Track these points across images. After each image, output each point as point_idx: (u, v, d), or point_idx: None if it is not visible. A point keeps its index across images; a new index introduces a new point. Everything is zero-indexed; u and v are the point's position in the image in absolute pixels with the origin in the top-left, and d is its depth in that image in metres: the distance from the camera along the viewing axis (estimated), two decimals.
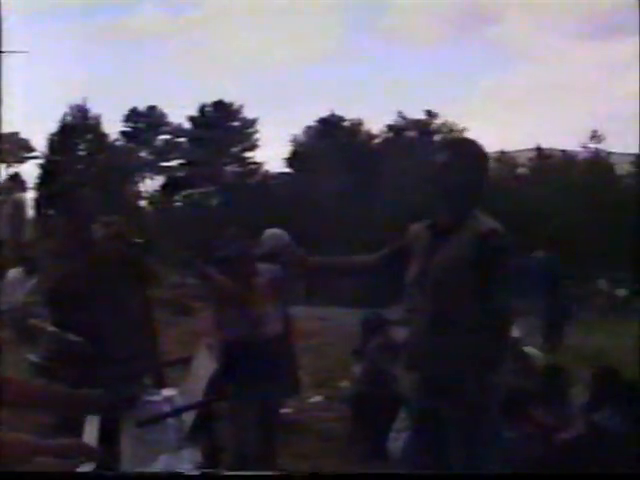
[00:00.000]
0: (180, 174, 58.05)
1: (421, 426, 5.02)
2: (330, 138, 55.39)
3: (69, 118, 56.05)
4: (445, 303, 4.66)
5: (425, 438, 4.99)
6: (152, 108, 59.49)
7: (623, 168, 55.86)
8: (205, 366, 4.95)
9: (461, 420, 4.66)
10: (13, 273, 13.65)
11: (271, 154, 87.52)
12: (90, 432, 3.97)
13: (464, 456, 4.73)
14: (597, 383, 7.65)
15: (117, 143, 58.66)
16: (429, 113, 58.67)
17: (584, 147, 55.04)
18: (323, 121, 58.79)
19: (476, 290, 4.59)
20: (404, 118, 58.16)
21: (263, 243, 7.34)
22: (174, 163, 58.99)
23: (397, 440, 7.33)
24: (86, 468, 3.22)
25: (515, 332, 7.85)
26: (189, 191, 57.42)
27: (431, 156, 5.03)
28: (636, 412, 7.25)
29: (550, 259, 14.29)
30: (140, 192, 58.17)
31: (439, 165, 4.81)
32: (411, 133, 57.78)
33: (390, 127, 57.54)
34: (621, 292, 27.65)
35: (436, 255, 4.75)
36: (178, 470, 3.83)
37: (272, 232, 7.96)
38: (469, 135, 59.02)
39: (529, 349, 7.84)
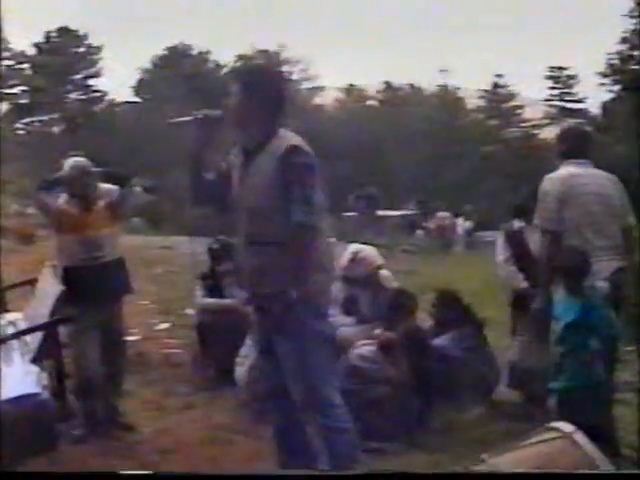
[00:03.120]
0: (22, 101, 56.28)
1: (263, 351, 5.21)
2: (177, 67, 54.66)
3: None
4: (257, 224, 4.83)
5: (266, 361, 5.17)
6: None
7: (472, 102, 57.19)
8: (49, 289, 4.90)
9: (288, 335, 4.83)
10: None
11: (117, 82, 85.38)
12: None
13: (296, 376, 4.90)
14: (438, 308, 7.84)
15: None
16: (279, 45, 58.44)
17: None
18: (170, 50, 57.88)
19: (282, 207, 4.72)
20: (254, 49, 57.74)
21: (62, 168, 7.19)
22: (16, 90, 57.14)
23: (242, 365, 7.39)
24: None
25: (378, 259, 7.97)
26: (31, 119, 55.80)
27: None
28: (474, 338, 7.48)
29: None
30: None
31: (234, 94, 4.93)
32: (262, 63, 57.38)
33: (239, 57, 57.04)
34: (467, 225, 28.28)
35: (247, 177, 4.90)
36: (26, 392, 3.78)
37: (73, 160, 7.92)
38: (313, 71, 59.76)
39: (384, 272, 7.95)
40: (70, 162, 6.95)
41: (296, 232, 4.70)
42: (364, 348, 6.82)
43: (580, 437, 4.36)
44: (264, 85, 4.95)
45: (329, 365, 5.06)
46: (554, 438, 4.44)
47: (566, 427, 4.46)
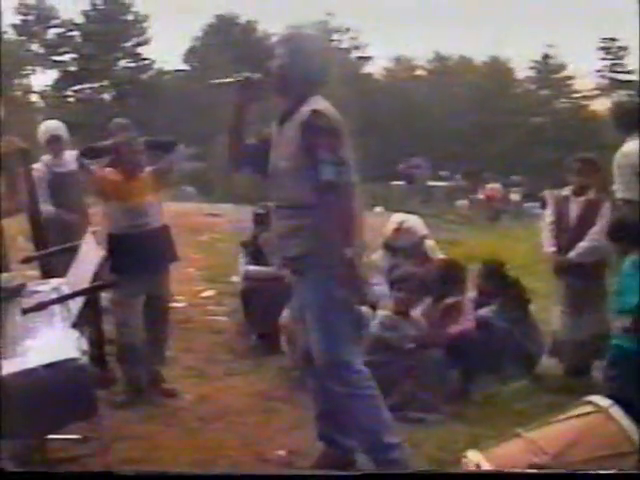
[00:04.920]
0: (72, 68, 56.57)
1: (297, 316, 5.22)
2: (225, 35, 54.64)
3: None
4: (284, 188, 4.86)
5: (302, 327, 5.11)
6: (41, 0, 57.62)
7: (522, 73, 56.73)
8: (91, 255, 4.91)
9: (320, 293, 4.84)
10: None
11: (165, 50, 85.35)
12: None
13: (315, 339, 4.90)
14: (483, 279, 7.79)
15: (6, 36, 56.80)
16: (328, 13, 58.16)
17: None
18: (218, 18, 57.86)
19: (307, 171, 4.72)
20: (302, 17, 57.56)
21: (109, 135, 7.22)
22: (66, 57, 57.42)
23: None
24: None
25: (423, 229, 7.95)
26: (81, 86, 56.10)
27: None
28: (519, 309, 7.44)
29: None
30: (31, 86, 56.67)
31: (274, 59, 4.98)
32: (307, 31, 57.12)
33: (288, 26, 56.84)
34: (515, 196, 28.15)
35: (278, 144, 4.95)
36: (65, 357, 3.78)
37: (118, 122, 7.95)
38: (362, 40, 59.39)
39: (429, 242, 7.93)
40: (116, 130, 6.98)
41: (325, 190, 4.68)
42: (381, 314, 6.78)
43: (616, 411, 4.34)
44: (302, 52, 4.96)
45: (351, 332, 5.00)
46: (590, 412, 4.43)
47: (602, 401, 4.46)
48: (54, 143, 8.23)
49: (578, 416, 4.44)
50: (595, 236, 7.05)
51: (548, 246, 7.42)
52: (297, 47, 4.97)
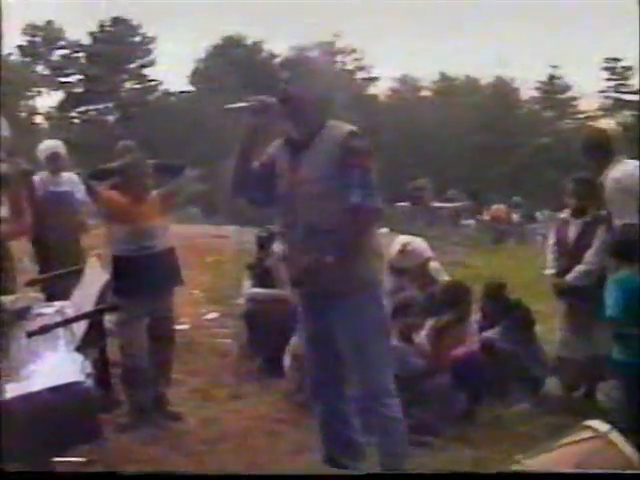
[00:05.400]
0: (77, 90, 56.78)
1: (314, 341, 5.13)
2: (231, 56, 54.80)
3: None
4: (317, 212, 4.75)
5: (319, 352, 5.09)
6: (49, 22, 57.91)
7: (527, 93, 56.82)
8: (96, 277, 4.92)
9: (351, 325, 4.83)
10: None
11: (171, 71, 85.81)
12: None
13: (357, 366, 4.89)
14: (487, 301, 7.79)
15: (12, 57, 57.03)
16: (334, 34, 58.30)
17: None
18: (224, 39, 58.07)
19: (343, 194, 4.69)
20: (309, 39, 57.75)
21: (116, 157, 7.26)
22: (71, 79, 57.66)
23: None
24: None
25: (428, 251, 7.96)
26: (86, 107, 56.29)
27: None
28: (523, 331, 7.43)
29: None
30: (36, 108, 56.86)
31: (283, 84, 4.88)
32: (314, 53, 57.25)
33: (294, 47, 56.99)
34: (515, 217, 28.12)
35: (300, 169, 4.83)
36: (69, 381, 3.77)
37: (123, 144, 7.99)
38: (374, 58, 59.47)
39: (434, 264, 7.93)
40: (122, 152, 6.99)
41: (354, 214, 4.68)
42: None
43: (616, 436, 4.29)
44: (316, 75, 4.92)
45: (388, 355, 5.05)
46: (589, 438, 4.37)
47: (601, 426, 4.40)
48: (53, 161, 8.30)
49: (578, 442, 4.39)
50: (591, 258, 7.03)
51: (549, 268, 7.44)
52: (309, 70, 4.93)
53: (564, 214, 7.49)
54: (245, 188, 5.06)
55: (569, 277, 7.13)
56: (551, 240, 7.55)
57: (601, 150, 6.89)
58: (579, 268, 7.08)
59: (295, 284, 5.08)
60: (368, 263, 4.86)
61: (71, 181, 8.47)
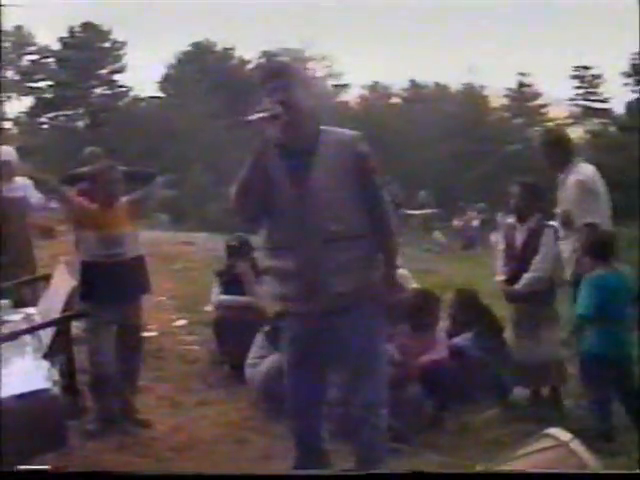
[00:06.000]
0: (47, 95, 56.46)
1: (304, 360, 4.94)
2: (201, 63, 54.70)
3: None
4: (336, 222, 4.60)
5: (307, 372, 4.95)
6: (19, 28, 57.59)
7: (497, 101, 57.00)
8: (63, 284, 4.90)
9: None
10: None
11: (141, 78, 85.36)
12: None
13: (359, 377, 4.83)
14: (457, 308, 7.83)
15: None
16: (303, 41, 58.34)
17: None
18: (194, 45, 57.94)
19: (356, 197, 4.66)
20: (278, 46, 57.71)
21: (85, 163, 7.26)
22: (41, 84, 57.32)
23: (253, 367, 7.40)
24: None
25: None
26: (56, 113, 55.98)
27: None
28: (494, 337, 7.46)
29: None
30: (4, 113, 56.52)
31: (281, 92, 4.64)
32: (284, 59, 57.32)
33: (264, 53, 57.05)
34: (475, 222, 28.16)
35: (307, 178, 4.66)
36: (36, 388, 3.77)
37: (91, 150, 7.98)
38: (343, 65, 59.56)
39: (402, 271, 7.93)
40: (89, 158, 6.97)
41: (385, 217, 4.74)
42: None
43: (576, 445, 4.29)
44: (310, 83, 4.93)
45: (386, 364, 5.06)
46: (550, 447, 4.37)
47: (562, 435, 4.39)
48: (3, 168, 8.27)
49: (539, 450, 4.38)
50: (538, 265, 7.07)
51: (498, 274, 7.45)
52: (305, 77, 4.92)
53: (511, 219, 7.50)
54: (249, 205, 4.74)
55: (518, 286, 7.13)
56: (500, 245, 7.56)
57: (560, 150, 6.97)
58: (527, 276, 7.09)
59: (306, 299, 4.72)
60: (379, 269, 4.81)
61: (25, 187, 8.48)
